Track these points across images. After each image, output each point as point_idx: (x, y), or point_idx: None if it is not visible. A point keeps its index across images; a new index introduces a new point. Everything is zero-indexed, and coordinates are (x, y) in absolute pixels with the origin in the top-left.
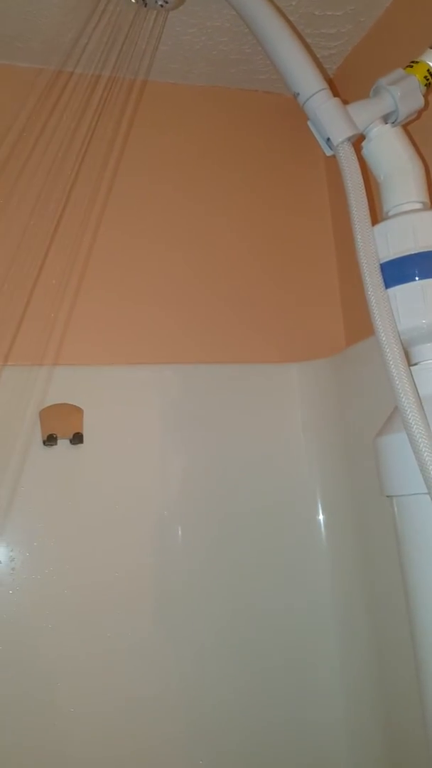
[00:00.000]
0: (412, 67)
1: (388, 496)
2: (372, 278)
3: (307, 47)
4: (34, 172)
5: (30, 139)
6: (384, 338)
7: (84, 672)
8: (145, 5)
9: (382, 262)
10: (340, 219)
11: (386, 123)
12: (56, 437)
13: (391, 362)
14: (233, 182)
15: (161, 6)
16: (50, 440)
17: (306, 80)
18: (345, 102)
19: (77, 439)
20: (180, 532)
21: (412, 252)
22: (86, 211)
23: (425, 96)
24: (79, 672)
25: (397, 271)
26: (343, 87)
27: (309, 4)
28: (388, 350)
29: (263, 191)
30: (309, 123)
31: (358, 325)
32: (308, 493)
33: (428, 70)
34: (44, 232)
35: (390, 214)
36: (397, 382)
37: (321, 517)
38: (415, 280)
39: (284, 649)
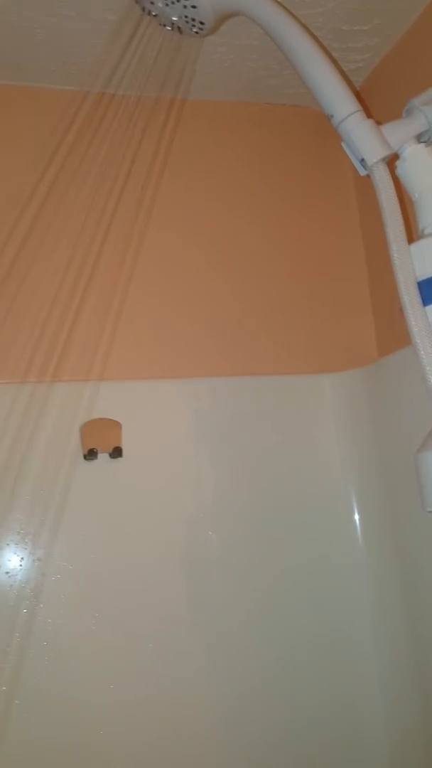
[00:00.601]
0: None
1: (429, 512)
2: (410, 297)
3: (334, 62)
4: (77, 193)
5: (73, 161)
6: (423, 356)
7: (127, 674)
8: (180, 32)
9: (419, 280)
10: (369, 229)
11: (420, 142)
12: (97, 452)
13: None
14: (263, 195)
15: (196, 33)
16: (91, 455)
17: (339, 103)
18: (378, 122)
19: (116, 453)
20: (216, 541)
21: None
22: (128, 231)
23: None
24: (122, 674)
25: None
26: (370, 99)
27: (336, 20)
28: (428, 368)
29: (293, 203)
30: (343, 144)
31: (391, 335)
32: (343, 500)
33: None
34: (90, 250)
35: (425, 231)
36: None
37: (356, 516)
38: None
39: (320, 648)
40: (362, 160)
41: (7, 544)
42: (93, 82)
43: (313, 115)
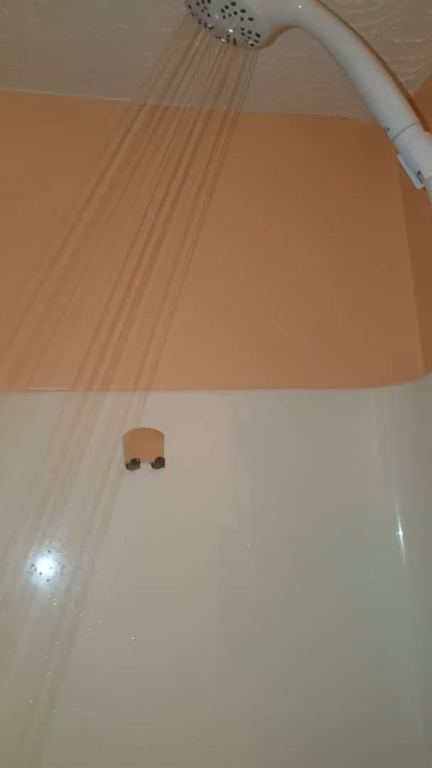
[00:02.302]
0: None
1: None
2: None
3: (389, 74)
4: (130, 205)
5: (127, 172)
6: None
7: (169, 678)
8: (235, 44)
9: None
10: (417, 242)
11: None
12: (139, 461)
13: None
14: (308, 207)
15: (251, 45)
16: (133, 464)
17: (397, 115)
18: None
19: (159, 463)
20: (254, 554)
21: None
22: (179, 244)
23: None
24: (159, 684)
25: None
26: (421, 111)
27: (389, 33)
28: None
29: (339, 215)
30: (399, 156)
31: None
32: (386, 514)
33: None
34: (141, 262)
35: None
36: None
37: (400, 532)
38: None
39: (360, 663)
40: (419, 173)
41: (49, 551)
42: (146, 95)
43: (361, 127)
